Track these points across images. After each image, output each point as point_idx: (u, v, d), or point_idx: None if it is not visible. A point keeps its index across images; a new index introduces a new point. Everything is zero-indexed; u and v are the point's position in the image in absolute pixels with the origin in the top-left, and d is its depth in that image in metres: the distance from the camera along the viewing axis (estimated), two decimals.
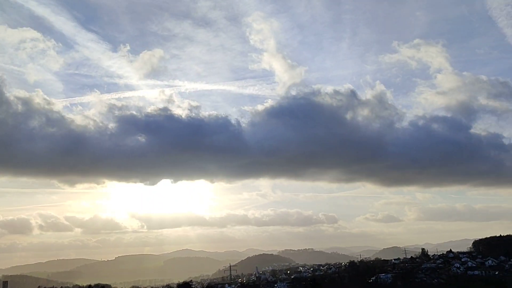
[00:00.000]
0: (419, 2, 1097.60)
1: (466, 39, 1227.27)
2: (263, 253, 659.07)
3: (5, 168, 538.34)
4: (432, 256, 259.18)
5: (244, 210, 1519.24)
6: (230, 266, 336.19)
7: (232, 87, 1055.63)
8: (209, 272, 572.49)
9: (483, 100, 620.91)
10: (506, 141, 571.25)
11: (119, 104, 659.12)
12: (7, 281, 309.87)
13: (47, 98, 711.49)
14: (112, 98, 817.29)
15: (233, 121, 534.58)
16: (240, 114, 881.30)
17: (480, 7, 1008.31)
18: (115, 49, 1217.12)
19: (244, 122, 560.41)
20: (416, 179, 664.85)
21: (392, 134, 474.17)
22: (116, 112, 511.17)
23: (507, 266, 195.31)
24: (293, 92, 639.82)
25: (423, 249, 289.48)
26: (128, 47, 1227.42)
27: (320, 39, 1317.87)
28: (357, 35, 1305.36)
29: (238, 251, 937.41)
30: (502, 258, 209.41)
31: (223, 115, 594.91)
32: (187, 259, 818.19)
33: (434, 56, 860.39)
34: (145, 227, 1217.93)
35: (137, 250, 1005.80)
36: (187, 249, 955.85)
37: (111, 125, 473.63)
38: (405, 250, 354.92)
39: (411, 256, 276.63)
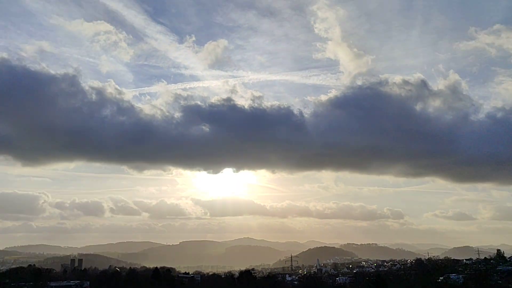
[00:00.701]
0: None
1: None
2: (325, 246, 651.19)
3: (81, 154, 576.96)
4: (508, 258, 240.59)
5: (306, 201, 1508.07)
6: (291, 257, 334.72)
7: (295, 77, 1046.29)
8: (269, 262, 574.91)
9: None
10: None
11: (184, 94, 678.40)
12: (81, 259, 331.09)
13: (118, 88, 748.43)
14: (178, 88, 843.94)
15: (295, 112, 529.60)
16: (303, 105, 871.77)
17: None
18: (181, 40, 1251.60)
19: (307, 112, 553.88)
20: (492, 175, 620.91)
21: (467, 127, 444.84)
22: (182, 102, 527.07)
23: None
24: (359, 82, 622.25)
25: (498, 250, 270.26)
26: (194, 38, 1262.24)
27: (388, 27, 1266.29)
28: (429, 22, 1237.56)
29: (299, 242, 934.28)
30: None
31: (286, 106, 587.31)
32: (248, 247, 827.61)
33: None
34: (208, 214, 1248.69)
35: (200, 236, 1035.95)
36: (248, 237, 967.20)
37: (177, 115, 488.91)
38: (478, 251, 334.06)
39: (485, 257, 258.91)
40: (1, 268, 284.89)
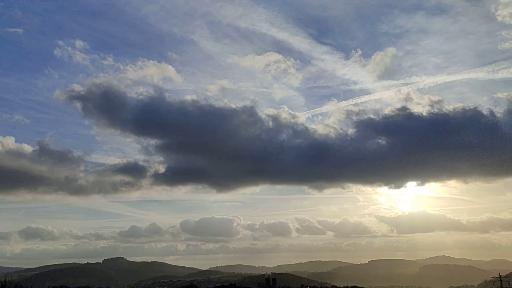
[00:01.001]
0: None
1: None
2: None
3: (265, 177, 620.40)
4: None
5: (511, 213, 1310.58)
6: (500, 277, 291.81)
7: (479, 74, 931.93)
8: (473, 282, 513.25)
9: None
10: None
11: (356, 109, 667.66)
12: (275, 278, 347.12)
13: (292, 112, 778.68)
14: (349, 105, 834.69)
15: (484, 112, 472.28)
16: (493, 103, 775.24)
17: None
18: (347, 56, 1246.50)
19: (499, 111, 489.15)
20: None
21: None
22: (354, 118, 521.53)
23: None
24: None
25: None
26: (360, 52, 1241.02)
27: None
28: None
29: (508, 260, 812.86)
30: None
31: (472, 107, 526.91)
32: (445, 266, 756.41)
33: None
34: (395, 231, 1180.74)
35: (388, 255, 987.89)
36: (444, 255, 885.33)
37: (351, 131, 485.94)
38: None
39: None
40: (208, 286, 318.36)
